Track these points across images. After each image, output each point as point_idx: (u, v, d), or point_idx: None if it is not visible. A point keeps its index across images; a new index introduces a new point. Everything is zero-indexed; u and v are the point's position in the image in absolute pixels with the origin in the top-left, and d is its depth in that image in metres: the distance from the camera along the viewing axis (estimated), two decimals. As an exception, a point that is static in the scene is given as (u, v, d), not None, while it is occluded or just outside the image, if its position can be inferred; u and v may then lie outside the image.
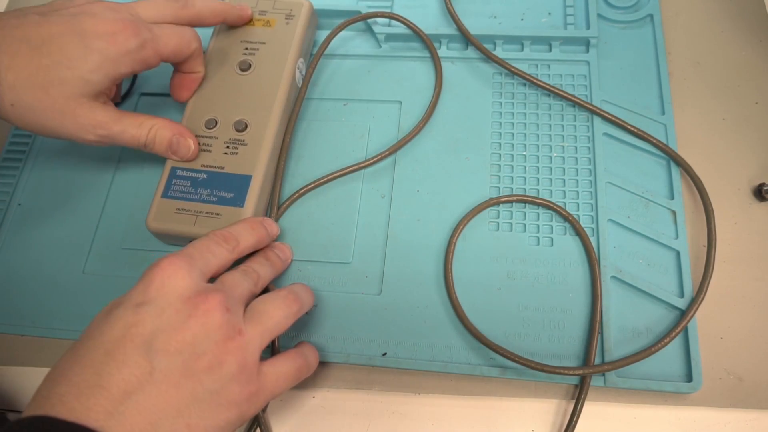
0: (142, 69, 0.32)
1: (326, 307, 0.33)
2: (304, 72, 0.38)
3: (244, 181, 0.33)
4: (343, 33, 0.40)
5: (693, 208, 0.35)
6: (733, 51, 0.39)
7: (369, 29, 0.41)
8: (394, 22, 0.40)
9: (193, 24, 0.34)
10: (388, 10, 0.41)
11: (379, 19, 0.40)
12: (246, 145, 0.34)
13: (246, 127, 0.34)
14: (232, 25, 0.37)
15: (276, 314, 0.27)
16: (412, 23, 0.39)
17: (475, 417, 0.31)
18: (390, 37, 0.41)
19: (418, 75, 0.39)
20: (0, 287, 0.35)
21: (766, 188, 0.34)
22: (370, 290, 0.33)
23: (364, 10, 0.40)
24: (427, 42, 0.39)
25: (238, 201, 0.32)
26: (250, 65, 0.36)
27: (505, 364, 0.31)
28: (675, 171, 0.35)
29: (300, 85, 0.38)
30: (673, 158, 0.35)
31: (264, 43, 0.37)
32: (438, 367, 0.31)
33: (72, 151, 0.39)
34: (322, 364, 0.32)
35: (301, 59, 0.37)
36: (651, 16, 0.40)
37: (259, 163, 0.33)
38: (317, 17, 0.40)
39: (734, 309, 0.32)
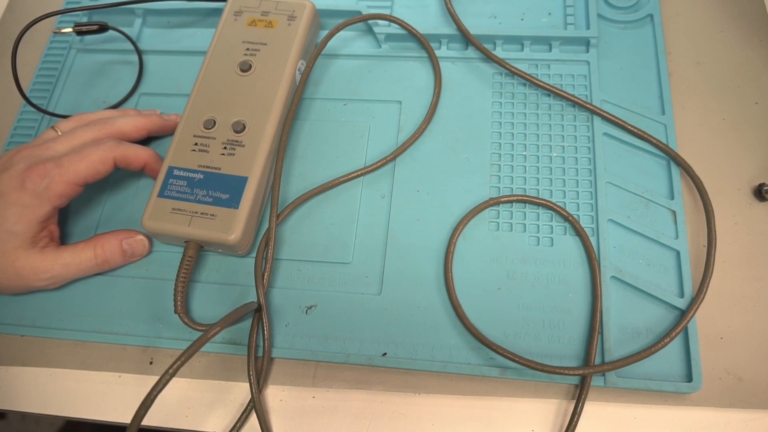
0: (66, 201, 0.33)
1: (326, 307, 0.33)
2: (303, 71, 0.38)
3: (240, 182, 0.33)
4: (343, 33, 0.40)
5: (693, 208, 0.34)
6: (733, 51, 0.39)
7: (369, 29, 0.41)
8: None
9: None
10: (388, 11, 0.41)
11: (379, 20, 0.40)
12: (243, 146, 0.34)
13: (244, 128, 0.34)
14: (159, 135, 0.38)
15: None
16: (410, 26, 0.39)
17: (475, 417, 0.31)
18: (390, 38, 0.41)
19: (418, 75, 0.39)
20: (0, 287, 0.35)
21: (766, 188, 0.34)
22: (370, 290, 0.33)
23: (364, 11, 0.40)
24: (425, 44, 0.39)
25: (233, 202, 0.32)
26: (250, 66, 0.36)
27: (505, 364, 0.31)
28: (675, 171, 0.35)
29: (298, 84, 0.37)
30: (673, 158, 0.35)
31: (265, 44, 0.37)
32: (438, 367, 0.31)
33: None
34: (322, 364, 0.32)
35: (302, 61, 0.37)
36: (651, 16, 0.40)
37: (256, 164, 0.33)
38: (319, 18, 0.40)
39: (734, 309, 0.32)
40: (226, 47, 0.37)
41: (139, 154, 0.34)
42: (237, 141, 0.34)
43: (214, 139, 0.34)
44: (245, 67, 0.36)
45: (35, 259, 0.32)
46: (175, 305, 0.32)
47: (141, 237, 0.35)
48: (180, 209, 0.32)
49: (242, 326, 0.33)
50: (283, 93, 0.35)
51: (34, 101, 0.40)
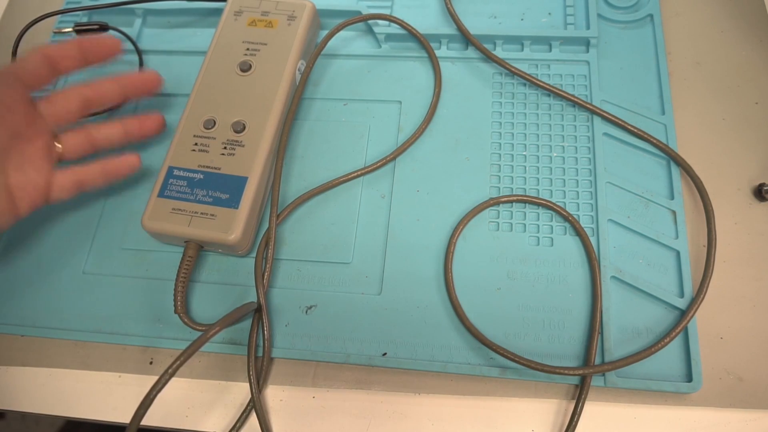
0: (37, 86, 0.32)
1: (326, 307, 0.33)
2: (303, 71, 0.38)
3: (240, 182, 0.33)
4: (343, 33, 0.40)
5: (693, 208, 0.34)
6: (733, 51, 0.39)
7: (369, 29, 0.41)
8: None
9: (99, 102, 0.34)
10: (388, 11, 0.41)
11: (380, 20, 0.40)
12: (243, 146, 0.34)
13: (244, 128, 0.34)
14: (139, 96, 0.36)
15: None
16: (410, 26, 0.39)
17: (475, 417, 0.31)
18: (390, 37, 0.41)
19: (418, 75, 0.39)
20: (0, 287, 0.35)
21: (766, 188, 0.34)
22: (370, 290, 0.33)
23: (364, 11, 0.40)
24: (425, 44, 0.39)
25: (233, 202, 0.32)
26: (250, 66, 0.36)
27: (505, 364, 0.31)
28: (675, 171, 0.35)
29: (298, 84, 0.37)
30: (673, 158, 0.35)
31: (265, 44, 0.37)
32: (438, 367, 0.31)
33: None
34: (322, 364, 0.32)
35: (302, 61, 0.37)
36: (651, 16, 0.40)
37: (256, 164, 0.33)
38: (320, 18, 0.40)
39: (734, 309, 0.32)
40: (226, 47, 0.37)
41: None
42: (237, 141, 0.34)
43: (214, 139, 0.34)
44: (245, 67, 0.36)
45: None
46: (175, 305, 0.32)
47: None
48: (180, 209, 0.32)
49: (242, 326, 0.33)
50: (283, 93, 0.35)
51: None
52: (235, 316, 0.31)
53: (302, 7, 0.38)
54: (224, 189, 0.33)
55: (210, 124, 0.34)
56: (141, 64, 0.41)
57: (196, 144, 0.34)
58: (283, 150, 0.36)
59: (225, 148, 0.34)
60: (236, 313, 0.31)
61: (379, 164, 0.36)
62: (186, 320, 0.32)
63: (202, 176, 0.33)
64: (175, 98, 0.40)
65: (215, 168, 0.33)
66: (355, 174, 0.36)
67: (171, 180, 0.33)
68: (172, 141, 0.34)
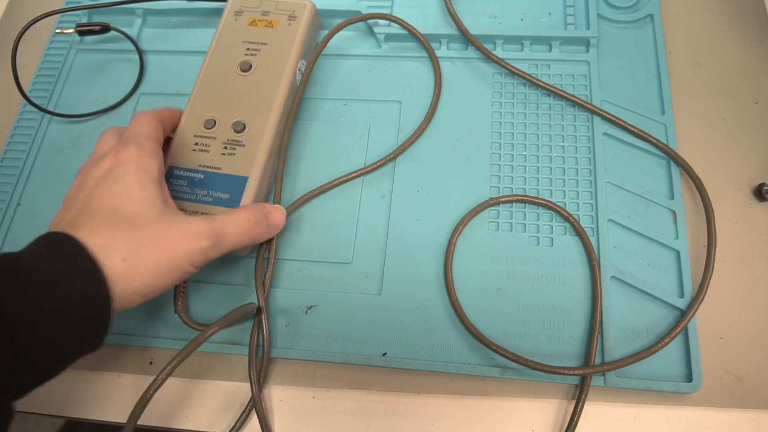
0: (167, 131, 0.33)
1: (326, 307, 0.33)
2: (303, 71, 0.38)
3: (241, 182, 0.33)
4: (343, 33, 0.40)
5: (693, 208, 0.34)
6: (733, 51, 0.39)
7: (369, 29, 0.41)
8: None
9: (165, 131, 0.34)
10: (388, 11, 0.41)
11: (380, 20, 0.40)
12: (244, 146, 0.34)
13: (244, 128, 0.34)
14: (170, 132, 0.35)
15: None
16: (410, 25, 0.39)
17: (475, 417, 0.31)
18: (390, 37, 0.41)
19: (418, 75, 0.39)
20: (0, 287, 0.35)
21: (766, 188, 0.34)
22: (370, 290, 0.33)
23: (364, 11, 0.40)
24: (425, 44, 0.39)
25: (234, 202, 0.32)
26: (251, 66, 0.36)
27: (505, 364, 0.31)
28: (675, 171, 0.35)
29: (298, 84, 0.37)
30: (673, 158, 0.35)
31: (266, 44, 0.36)
32: (438, 367, 0.31)
33: (72, 151, 0.39)
34: (322, 364, 0.32)
35: (303, 61, 0.37)
36: (651, 16, 0.40)
37: (256, 164, 0.33)
38: (320, 18, 0.40)
39: (734, 309, 0.32)
40: (226, 47, 0.37)
41: (170, 109, 0.34)
42: (237, 141, 0.34)
43: (215, 138, 0.34)
44: (245, 67, 0.36)
45: (180, 218, 0.28)
46: (175, 305, 0.32)
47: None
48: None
49: (242, 326, 0.33)
50: (283, 93, 0.35)
51: (35, 101, 0.40)
52: (235, 316, 0.30)
53: (303, 6, 0.38)
54: (225, 189, 0.33)
55: (210, 123, 0.34)
56: (141, 64, 0.41)
57: (196, 144, 0.34)
58: (284, 150, 0.36)
59: (225, 147, 0.34)
60: (235, 313, 0.31)
61: (379, 164, 0.36)
62: (186, 320, 0.32)
63: (202, 176, 0.33)
64: (176, 98, 0.40)
65: (216, 168, 0.33)
66: (356, 174, 0.36)
67: (171, 180, 0.33)
68: (173, 141, 0.34)
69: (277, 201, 0.35)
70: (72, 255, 0.25)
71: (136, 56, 0.42)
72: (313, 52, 0.38)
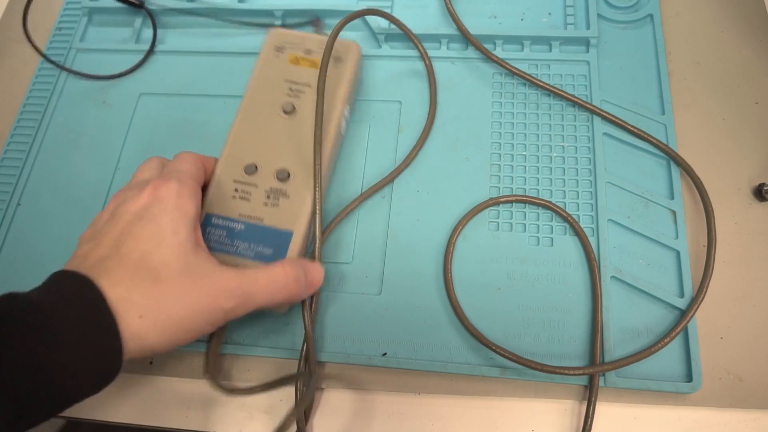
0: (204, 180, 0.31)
1: (326, 307, 0.33)
2: (349, 119, 0.36)
3: (285, 237, 0.30)
4: (342, 33, 0.40)
5: (693, 208, 0.34)
6: (733, 51, 0.39)
7: (369, 29, 0.41)
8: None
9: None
10: (388, 11, 0.41)
11: (380, 20, 0.40)
12: (288, 197, 0.31)
13: (289, 176, 0.32)
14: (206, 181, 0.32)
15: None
16: (403, 24, 0.38)
17: (475, 417, 0.31)
18: (390, 37, 0.41)
19: (418, 75, 0.39)
20: (0, 288, 0.35)
21: (766, 188, 0.34)
22: (370, 290, 0.33)
23: (365, 11, 0.40)
24: (416, 43, 0.39)
25: (278, 259, 0.30)
26: (294, 108, 0.33)
27: (505, 364, 0.31)
28: (675, 171, 0.35)
29: (344, 134, 0.35)
30: (673, 158, 0.35)
31: (309, 85, 0.34)
32: (438, 367, 0.31)
33: (72, 150, 0.39)
34: (323, 364, 0.32)
35: (348, 107, 0.35)
36: (651, 16, 0.40)
37: (302, 218, 0.31)
38: (363, 59, 0.38)
39: (734, 309, 0.32)
40: (267, 85, 0.34)
41: (209, 157, 0.33)
42: (281, 190, 0.31)
43: (256, 186, 0.31)
44: (288, 109, 0.33)
45: (209, 270, 0.27)
46: (205, 363, 0.30)
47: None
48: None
49: (244, 328, 0.33)
50: (330, 141, 0.33)
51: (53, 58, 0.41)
52: (278, 384, 0.30)
53: (348, 47, 0.35)
54: (268, 243, 0.30)
55: (251, 169, 0.32)
56: (154, 26, 0.42)
57: (236, 190, 0.31)
58: (321, 206, 0.32)
59: (268, 197, 0.31)
60: (281, 381, 0.30)
61: (377, 186, 0.35)
62: (216, 385, 0.29)
63: (242, 227, 0.30)
64: (177, 98, 0.40)
65: (257, 218, 0.31)
66: (381, 183, 0.35)
67: (209, 228, 0.30)
68: (210, 184, 0.32)
69: (315, 257, 0.32)
70: (93, 308, 0.24)
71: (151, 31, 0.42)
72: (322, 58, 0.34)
